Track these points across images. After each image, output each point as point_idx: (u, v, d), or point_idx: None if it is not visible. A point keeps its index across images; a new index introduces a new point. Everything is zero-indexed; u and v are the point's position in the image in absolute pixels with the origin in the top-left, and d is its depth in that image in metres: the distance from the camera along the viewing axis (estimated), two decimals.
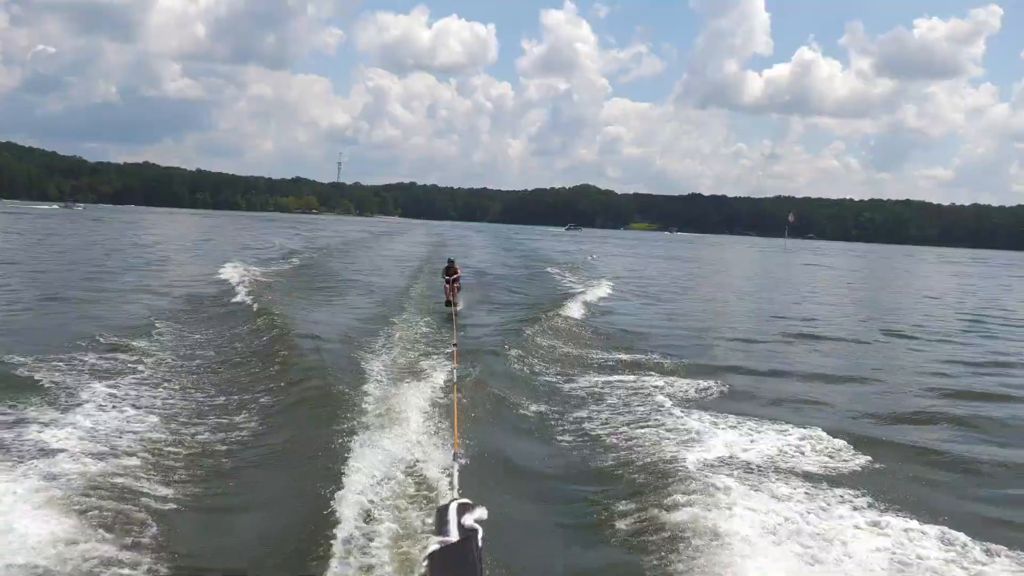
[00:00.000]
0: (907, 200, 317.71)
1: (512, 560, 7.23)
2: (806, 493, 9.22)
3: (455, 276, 25.58)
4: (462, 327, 21.11)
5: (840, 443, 11.52)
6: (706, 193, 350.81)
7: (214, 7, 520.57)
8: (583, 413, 13.17)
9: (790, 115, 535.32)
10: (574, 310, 26.77)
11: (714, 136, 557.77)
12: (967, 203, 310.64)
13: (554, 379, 15.94)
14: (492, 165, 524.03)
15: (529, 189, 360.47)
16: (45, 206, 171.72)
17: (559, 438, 11.80)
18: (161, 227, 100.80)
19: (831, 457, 11.02)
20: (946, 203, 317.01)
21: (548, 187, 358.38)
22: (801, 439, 11.69)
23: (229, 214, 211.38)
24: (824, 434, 11.90)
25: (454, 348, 16.50)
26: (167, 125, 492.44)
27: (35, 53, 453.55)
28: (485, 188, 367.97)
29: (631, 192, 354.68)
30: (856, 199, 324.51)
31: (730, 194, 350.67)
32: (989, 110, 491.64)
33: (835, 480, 9.88)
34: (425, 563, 5.52)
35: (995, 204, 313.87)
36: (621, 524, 8.32)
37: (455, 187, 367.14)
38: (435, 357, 16.60)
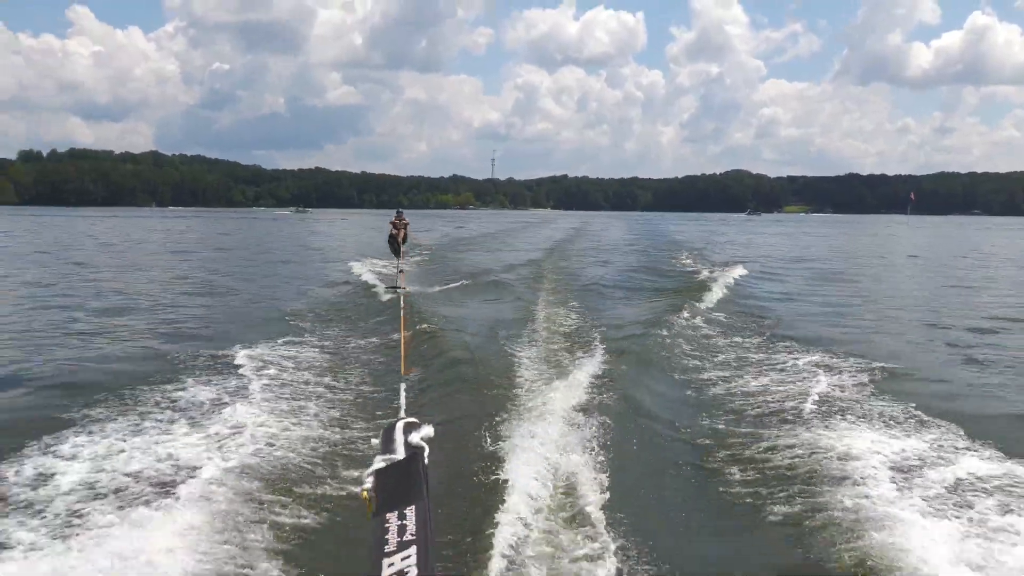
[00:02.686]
0: None
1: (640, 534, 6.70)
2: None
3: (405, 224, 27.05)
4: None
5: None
6: (871, 172, 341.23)
7: (369, 16, 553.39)
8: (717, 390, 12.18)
9: (962, 86, 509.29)
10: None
11: (878, 113, 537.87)
12: None
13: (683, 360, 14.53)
14: (644, 154, 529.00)
15: (679, 177, 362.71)
16: (280, 212, 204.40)
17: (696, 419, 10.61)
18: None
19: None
20: None
21: (700, 173, 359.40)
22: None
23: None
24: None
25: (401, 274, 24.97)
26: (328, 131, 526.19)
27: (211, 71, 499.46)
28: (636, 177, 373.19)
29: (785, 175, 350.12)
30: None
31: (895, 172, 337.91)
32: None
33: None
34: (370, 479, 5.24)
35: None
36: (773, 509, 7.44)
37: (605, 177, 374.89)
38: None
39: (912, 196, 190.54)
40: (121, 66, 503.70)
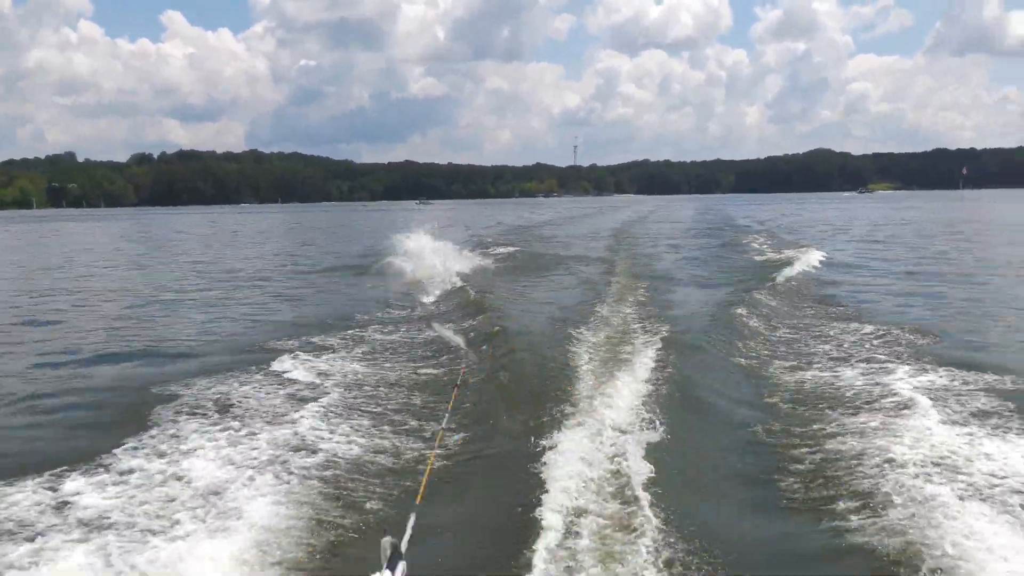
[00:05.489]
0: None
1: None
2: None
3: None
4: None
5: None
6: (971, 146, 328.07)
7: (451, 10, 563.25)
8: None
9: None
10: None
11: (974, 85, 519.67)
12: None
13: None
14: (727, 136, 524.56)
15: (762, 158, 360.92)
16: (409, 203, 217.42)
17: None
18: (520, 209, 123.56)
19: None
20: None
21: (783, 154, 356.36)
22: None
23: (492, 201, 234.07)
24: None
25: None
26: (413, 124, 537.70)
27: (298, 69, 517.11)
28: (718, 159, 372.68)
29: (871, 153, 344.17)
30: None
31: (995, 145, 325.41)
32: None
33: None
34: None
35: None
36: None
37: (688, 161, 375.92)
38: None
39: (964, 171, 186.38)
40: (213, 67, 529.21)
